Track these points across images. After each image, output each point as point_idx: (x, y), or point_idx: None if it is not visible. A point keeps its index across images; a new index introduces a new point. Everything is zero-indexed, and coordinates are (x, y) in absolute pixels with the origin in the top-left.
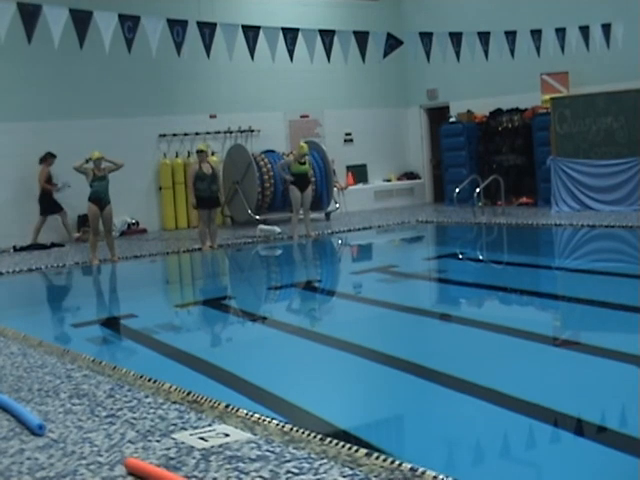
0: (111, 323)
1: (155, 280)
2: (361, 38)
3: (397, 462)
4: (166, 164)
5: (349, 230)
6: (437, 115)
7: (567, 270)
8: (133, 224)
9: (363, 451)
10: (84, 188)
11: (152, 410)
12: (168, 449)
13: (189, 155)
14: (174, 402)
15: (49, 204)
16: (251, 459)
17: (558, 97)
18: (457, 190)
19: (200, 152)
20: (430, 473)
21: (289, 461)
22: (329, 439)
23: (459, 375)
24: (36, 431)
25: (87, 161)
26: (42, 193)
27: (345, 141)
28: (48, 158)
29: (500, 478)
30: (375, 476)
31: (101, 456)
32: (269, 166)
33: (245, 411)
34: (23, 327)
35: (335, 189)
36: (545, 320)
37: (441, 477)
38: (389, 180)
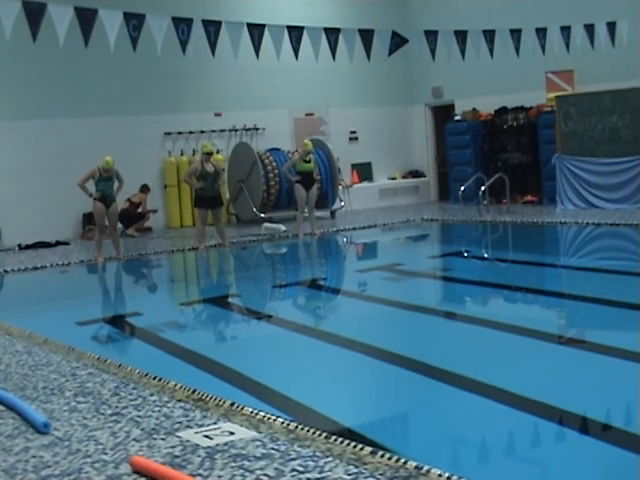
0: (116, 321)
1: (160, 278)
2: (366, 36)
3: (402, 460)
4: (171, 162)
5: (354, 228)
6: (442, 113)
7: (572, 268)
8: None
9: (368, 449)
10: (89, 187)
11: (157, 408)
12: (173, 447)
13: (194, 153)
14: (179, 400)
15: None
16: (256, 457)
17: (563, 95)
18: (462, 188)
19: (208, 154)
20: (435, 471)
21: (294, 459)
22: (334, 437)
23: (464, 373)
24: (41, 429)
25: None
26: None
27: (350, 139)
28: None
29: (505, 476)
30: (380, 474)
31: (106, 454)
32: (274, 164)
33: (250, 409)
34: (28, 325)
35: (340, 187)
36: (550, 318)
37: (446, 475)
38: (394, 178)
